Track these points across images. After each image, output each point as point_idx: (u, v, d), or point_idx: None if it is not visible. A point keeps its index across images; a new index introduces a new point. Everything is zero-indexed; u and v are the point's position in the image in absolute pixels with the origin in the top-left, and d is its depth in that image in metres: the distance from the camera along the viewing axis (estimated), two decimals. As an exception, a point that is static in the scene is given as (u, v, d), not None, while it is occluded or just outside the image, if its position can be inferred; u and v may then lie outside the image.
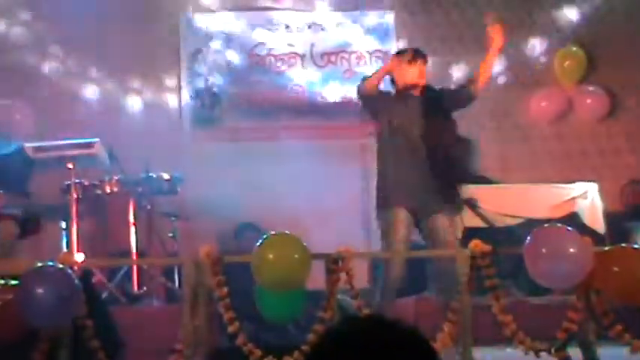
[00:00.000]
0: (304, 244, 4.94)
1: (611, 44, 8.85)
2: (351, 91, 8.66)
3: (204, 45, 8.74)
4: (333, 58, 8.85)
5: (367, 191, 8.73)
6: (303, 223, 7.51)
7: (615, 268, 4.96)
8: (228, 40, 8.77)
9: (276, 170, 8.16)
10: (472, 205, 7.08)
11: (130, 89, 8.58)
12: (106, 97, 8.52)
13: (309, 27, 8.86)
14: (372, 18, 8.89)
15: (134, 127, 8.32)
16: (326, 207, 8.20)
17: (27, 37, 8.51)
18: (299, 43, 8.83)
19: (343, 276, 5.29)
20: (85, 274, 5.87)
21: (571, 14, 8.87)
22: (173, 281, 7.37)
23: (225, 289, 5.19)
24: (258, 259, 4.89)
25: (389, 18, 8.87)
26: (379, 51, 8.85)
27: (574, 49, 8.83)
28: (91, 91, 8.52)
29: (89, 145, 7.20)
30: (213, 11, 8.78)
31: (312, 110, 8.75)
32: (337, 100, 8.78)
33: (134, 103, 8.60)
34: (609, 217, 7.43)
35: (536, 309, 6.24)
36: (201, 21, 8.75)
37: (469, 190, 7.12)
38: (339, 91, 8.79)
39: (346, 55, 8.85)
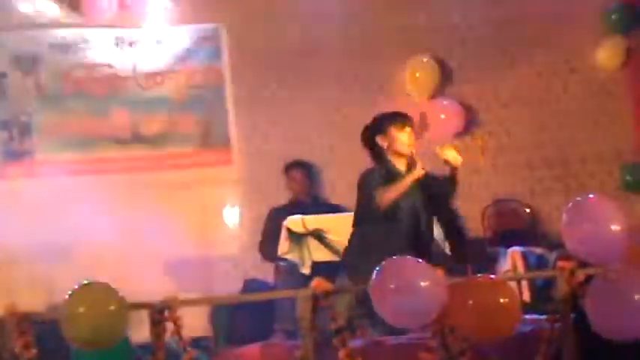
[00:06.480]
0: (119, 293, 4.83)
1: (467, 55, 9.04)
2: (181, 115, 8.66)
3: (10, 68, 8.54)
4: (159, 79, 8.77)
5: (205, 226, 8.68)
6: (134, 270, 7.41)
7: (470, 301, 4.99)
8: (39, 62, 8.58)
9: (98, 209, 8.01)
10: (319, 236, 7.09)
11: None
12: None
13: (131, 45, 8.74)
14: (201, 32, 8.85)
15: None
16: (158, 247, 8.10)
17: None
18: (120, 63, 8.71)
19: (171, 326, 5.20)
20: None
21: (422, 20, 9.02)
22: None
23: (34, 351, 5.02)
24: (67, 314, 4.75)
25: (220, 32, 8.84)
26: (211, 69, 8.82)
27: (425, 59, 8.97)
28: None
29: None
30: (20, 29, 8.57)
31: (137, 138, 8.65)
32: (166, 126, 8.70)
33: None
34: (471, 242, 7.55)
35: (394, 350, 6.25)
36: (5, 41, 8.55)
37: (315, 220, 7.14)
38: (168, 115, 8.72)
39: (174, 75, 8.78)
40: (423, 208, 6.28)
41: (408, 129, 6.27)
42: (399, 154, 6.28)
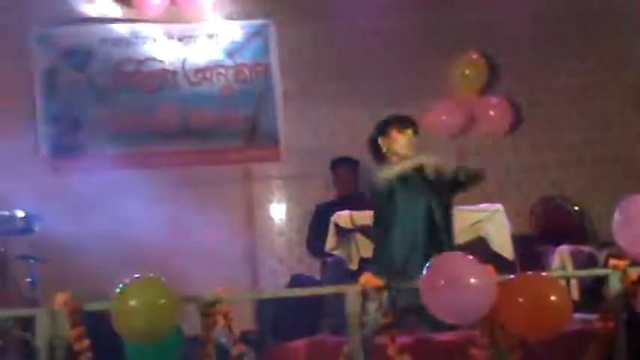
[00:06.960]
0: (170, 287, 4.87)
1: (514, 51, 8.99)
2: (229, 111, 8.70)
3: (61, 63, 8.62)
4: (208, 74, 8.81)
5: (251, 222, 8.71)
6: (180, 264, 7.45)
7: (520, 299, 4.97)
8: (89, 56, 8.66)
9: (146, 201, 8.06)
10: (366, 232, 7.08)
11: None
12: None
13: (180, 40, 8.80)
14: (249, 28, 8.89)
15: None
16: (205, 242, 8.15)
17: None
18: (169, 58, 8.77)
19: (221, 319, 5.23)
20: None
21: (471, 17, 8.97)
22: (34, 334, 7.19)
23: (86, 342, 5.06)
24: (119, 307, 4.79)
25: (269, 28, 8.87)
26: (259, 64, 8.84)
27: (474, 56, 8.94)
28: None
29: None
30: (70, 24, 8.65)
31: (185, 133, 8.69)
32: (214, 121, 8.73)
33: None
34: (519, 240, 7.50)
35: (441, 346, 6.23)
36: (56, 35, 8.62)
37: (363, 216, 7.14)
38: (216, 110, 8.76)
39: (223, 70, 8.82)
40: (435, 201, 6.52)
41: (409, 132, 6.57)
42: (398, 156, 6.53)
